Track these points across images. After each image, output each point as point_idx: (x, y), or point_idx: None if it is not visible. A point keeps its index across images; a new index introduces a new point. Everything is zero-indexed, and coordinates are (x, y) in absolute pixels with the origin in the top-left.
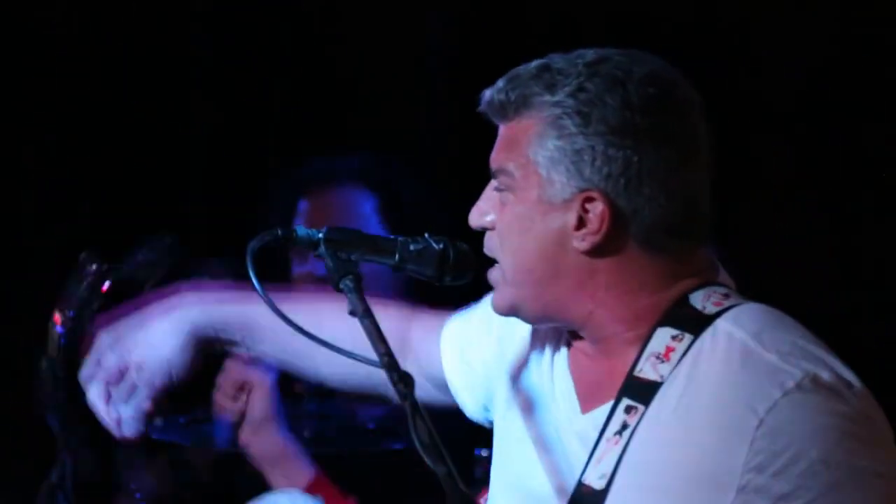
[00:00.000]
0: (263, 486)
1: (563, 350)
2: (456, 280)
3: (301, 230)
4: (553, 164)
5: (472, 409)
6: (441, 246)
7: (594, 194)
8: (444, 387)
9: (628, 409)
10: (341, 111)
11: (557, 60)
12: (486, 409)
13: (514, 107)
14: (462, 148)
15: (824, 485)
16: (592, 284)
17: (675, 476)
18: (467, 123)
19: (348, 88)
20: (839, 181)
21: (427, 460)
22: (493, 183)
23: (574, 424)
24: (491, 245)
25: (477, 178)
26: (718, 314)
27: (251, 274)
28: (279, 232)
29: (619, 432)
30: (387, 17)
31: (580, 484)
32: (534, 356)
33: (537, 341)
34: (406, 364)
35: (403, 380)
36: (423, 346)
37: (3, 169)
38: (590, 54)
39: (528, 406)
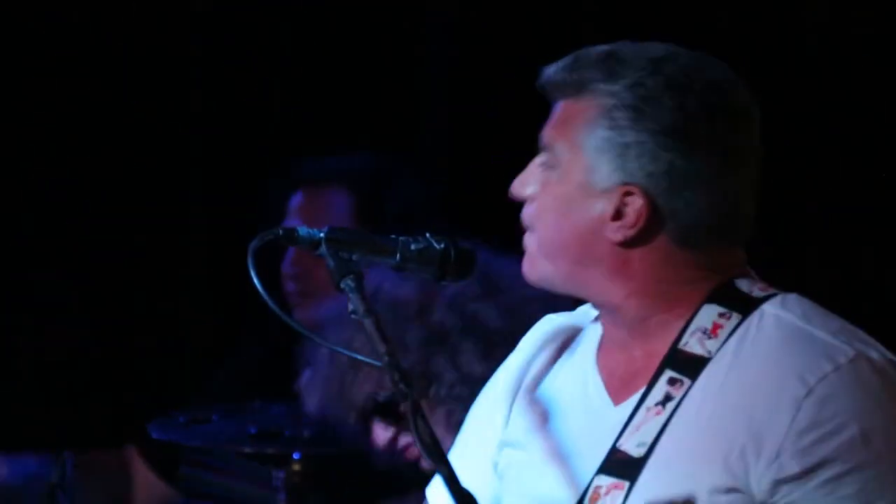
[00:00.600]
0: (265, 486)
1: (588, 352)
2: (457, 280)
3: (303, 230)
4: (599, 153)
5: None
6: (442, 246)
7: (634, 189)
8: None
9: (672, 381)
10: (341, 111)
11: (625, 49)
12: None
13: (572, 88)
14: (461, 148)
15: (862, 459)
16: (626, 273)
17: (720, 447)
18: (467, 123)
19: (348, 88)
20: (839, 182)
21: (428, 460)
22: (540, 158)
23: (607, 419)
24: (528, 215)
25: (476, 178)
26: (764, 299)
27: (252, 273)
28: (280, 231)
29: (662, 403)
30: (387, 17)
31: (615, 449)
32: (549, 375)
33: (547, 360)
34: None
35: (404, 379)
36: None
37: (3, 169)
38: (657, 49)
39: (546, 423)
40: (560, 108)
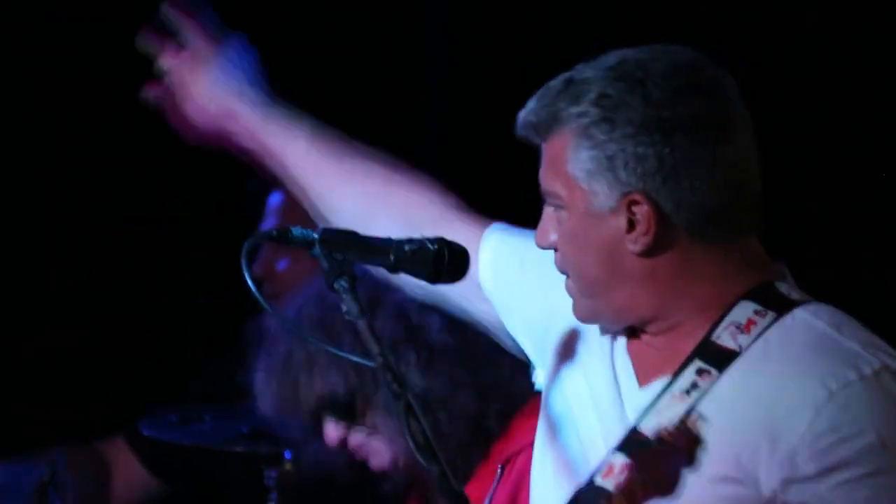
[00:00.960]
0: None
1: (620, 334)
2: (451, 280)
3: (296, 230)
4: (591, 176)
5: (519, 327)
6: (436, 246)
7: (636, 196)
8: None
9: (700, 372)
10: (341, 111)
11: (582, 70)
12: (536, 337)
13: (545, 125)
14: (461, 148)
15: (879, 466)
16: (656, 282)
17: (736, 443)
18: (467, 123)
19: (348, 88)
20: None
21: (421, 460)
22: (547, 203)
23: (632, 399)
24: (559, 263)
25: (475, 178)
26: (799, 303)
27: (245, 274)
28: (274, 232)
29: (688, 391)
30: (387, 17)
31: (634, 430)
32: (586, 337)
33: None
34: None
35: (397, 379)
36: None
37: (4, 169)
38: (611, 58)
39: (578, 385)
40: (545, 149)
